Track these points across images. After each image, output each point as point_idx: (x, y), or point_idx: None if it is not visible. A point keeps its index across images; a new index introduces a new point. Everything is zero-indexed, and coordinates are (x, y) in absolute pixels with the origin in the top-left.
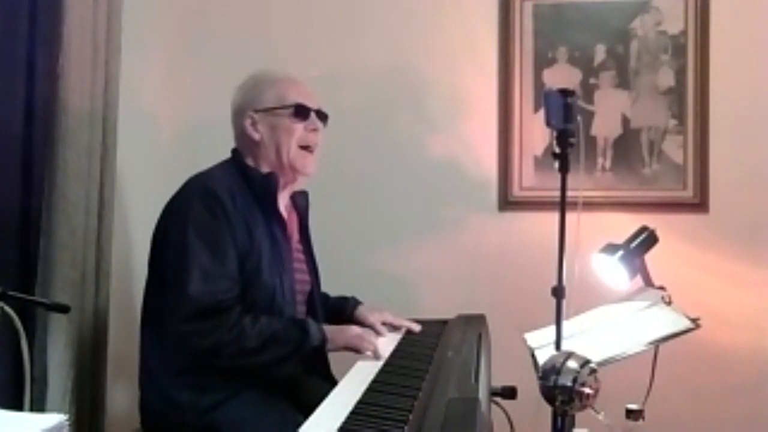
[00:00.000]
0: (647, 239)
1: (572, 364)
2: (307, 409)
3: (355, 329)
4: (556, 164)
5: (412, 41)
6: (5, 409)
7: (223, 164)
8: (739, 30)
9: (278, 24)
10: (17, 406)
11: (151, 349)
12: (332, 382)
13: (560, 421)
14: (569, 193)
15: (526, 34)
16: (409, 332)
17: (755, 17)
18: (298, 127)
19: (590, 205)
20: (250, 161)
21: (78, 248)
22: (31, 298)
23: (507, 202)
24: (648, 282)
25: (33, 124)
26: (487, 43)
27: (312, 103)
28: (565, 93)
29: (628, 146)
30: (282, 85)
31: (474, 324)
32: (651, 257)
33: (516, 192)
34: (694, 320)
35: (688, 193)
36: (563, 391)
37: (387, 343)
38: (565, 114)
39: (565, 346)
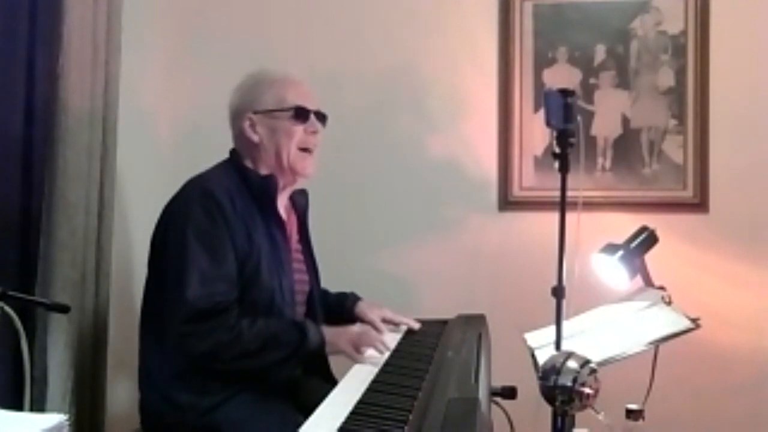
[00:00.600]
0: (647, 239)
1: (572, 364)
2: (307, 409)
3: (353, 331)
4: (556, 164)
5: (412, 41)
6: (5, 409)
7: (222, 165)
8: (739, 30)
9: (278, 24)
10: (17, 406)
11: (151, 350)
12: (332, 382)
13: (560, 421)
14: (569, 193)
15: (526, 34)
16: (409, 331)
17: (755, 17)
18: (298, 130)
19: (590, 205)
20: (248, 163)
21: (78, 248)
22: (31, 298)
23: (507, 202)
24: (648, 282)
25: (33, 124)
26: (487, 43)
27: (311, 105)
28: (565, 93)
29: (628, 146)
30: (281, 86)
31: (474, 324)
32: (651, 257)
33: (516, 192)
34: (694, 320)
35: (688, 193)
36: (563, 391)
37: (389, 340)
38: (565, 114)
39: (565, 346)
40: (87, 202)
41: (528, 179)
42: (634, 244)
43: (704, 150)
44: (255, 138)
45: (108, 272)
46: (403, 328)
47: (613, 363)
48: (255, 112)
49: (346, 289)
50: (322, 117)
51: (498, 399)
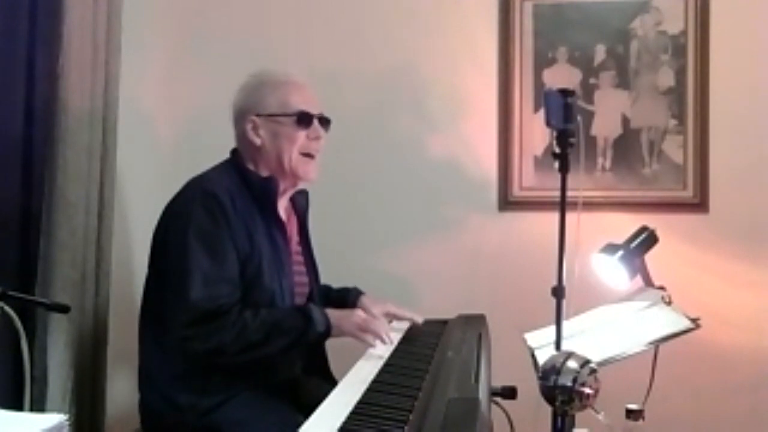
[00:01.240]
0: (647, 239)
1: (572, 364)
2: (307, 409)
3: (359, 315)
4: (556, 164)
5: (412, 41)
6: (5, 409)
7: (222, 166)
8: (739, 30)
9: (278, 24)
10: (17, 406)
11: (151, 351)
12: (332, 382)
13: (560, 421)
14: (569, 193)
15: (526, 34)
16: (410, 330)
17: (755, 17)
18: (301, 135)
19: (590, 205)
20: (250, 164)
21: (78, 248)
22: (31, 298)
23: (507, 202)
24: (648, 282)
25: (33, 124)
26: (487, 43)
27: (314, 109)
28: (565, 93)
29: (628, 146)
30: (285, 90)
31: (474, 324)
32: (651, 257)
33: (516, 192)
34: (694, 320)
35: (688, 193)
36: (563, 391)
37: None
38: (565, 114)
39: (565, 346)
40: (87, 202)
41: (528, 179)
42: (634, 244)
43: (704, 150)
44: (257, 141)
45: (108, 272)
46: (405, 326)
47: (613, 363)
48: (258, 115)
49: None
50: (325, 122)
51: (498, 399)
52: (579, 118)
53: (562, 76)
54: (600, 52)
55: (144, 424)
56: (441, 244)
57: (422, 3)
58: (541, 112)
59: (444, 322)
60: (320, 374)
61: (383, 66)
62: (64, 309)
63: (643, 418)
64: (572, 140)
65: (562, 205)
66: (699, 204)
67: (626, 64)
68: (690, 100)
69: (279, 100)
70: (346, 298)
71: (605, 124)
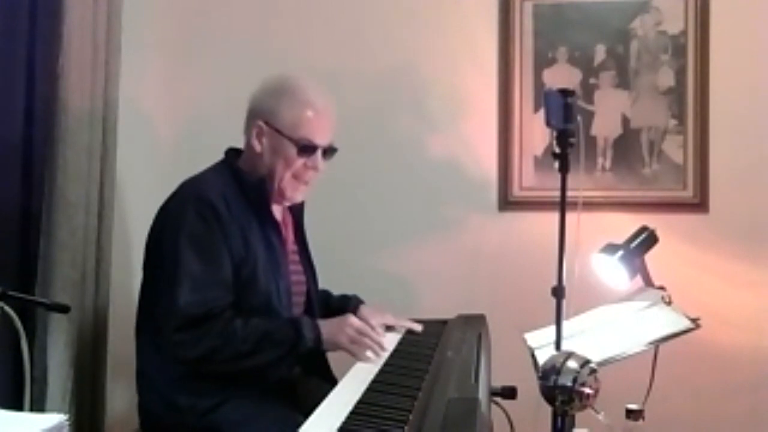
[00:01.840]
0: (647, 239)
1: (572, 364)
2: (307, 409)
3: (352, 326)
4: (556, 164)
5: (412, 41)
6: (5, 409)
7: (217, 167)
8: (739, 30)
9: (278, 24)
10: (17, 406)
11: (148, 353)
12: (332, 382)
13: (560, 421)
14: (569, 193)
15: (526, 34)
16: (410, 332)
17: (755, 17)
18: (299, 162)
19: (590, 205)
20: (246, 164)
21: (78, 248)
22: (31, 298)
23: (507, 202)
24: (648, 282)
25: (33, 124)
26: (487, 43)
27: (323, 140)
28: (565, 93)
29: (628, 146)
30: (301, 112)
31: (474, 324)
32: (651, 257)
33: (516, 192)
34: (694, 320)
35: (688, 193)
36: (563, 391)
37: (388, 342)
38: (565, 114)
39: (565, 346)
40: (87, 202)
41: (528, 179)
42: (634, 244)
43: (704, 150)
44: (258, 148)
45: (108, 272)
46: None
47: (613, 363)
48: (266, 123)
49: (347, 290)
50: (331, 151)
51: (498, 399)
52: (579, 118)
53: (562, 76)
54: (600, 52)
55: (143, 426)
56: (441, 244)
57: (422, 3)
58: (541, 112)
59: (444, 322)
60: (320, 374)
61: (383, 66)
62: (64, 309)
63: (643, 418)
64: (572, 140)
65: (562, 205)
66: (699, 204)
67: (626, 64)
68: (690, 100)
69: (291, 120)
70: (346, 308)
71: (605, 124)
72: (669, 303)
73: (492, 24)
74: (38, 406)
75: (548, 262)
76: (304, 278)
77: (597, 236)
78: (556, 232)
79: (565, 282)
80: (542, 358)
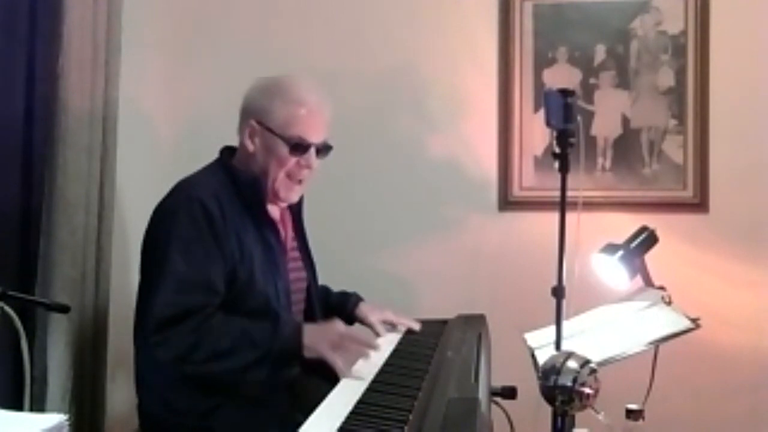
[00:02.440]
0: (647, 239)
1: (572, 364)
2: (307, 409)
3: (336, 332)
4: (556, 164)
5: (412, 41)
6: (5, 409)
7: (211, 167)
8: (739, 30)
9: (278, 24)
10: (17, 406)
11: (146, 355)
12: (332, 382)
13: (560, 421)
14: (569, 193)
15: (526, 34)
16: (409, 331)
17: (755, 17)
18: (291, 161)
19: (590, 205)
20: (241, 164)
21: (78, 248)
22: (31, 298)
23: (507, 202)
24: (648, 282)
25: (33, 124)
26: (487, 43)
27: (317, 138)
28: (565, 93)
29: (628, 146)
30: (294, 112)
31: (474, 324)
32: (651, 257)
33: (516, 192)
34: (694, 320)
35: (688, 193)
36: (563, 391)
37: (386, 344)
38: (565, 114)
39: (565, 346)
40: (87, 202)
41: (528, 179)
42: (634, 244)
43: (704, 150)
44: (250, 148)
45: (108, 272)
46: (402, 327)
47: (613, 363)
48: (259, 122)
49: (346, 289)
50: (326, 149)
51: (498, 399)
52: (579, 118)
53: (562, 76)
54: (600, 52)
55: (143, 427)
56: (441, 244)
57: (422, 3)
58: (541, 112)
59: (444, 322)
60: (320, 374)
61: (383, 66)
62: (64, 309)
63: (643, 418)
64: (572, 140)
65: (562, 205)
66: (699, 204)
67: (626, 64)
68: (690, 100)
69: (283, 119)
70: (346, 304)
71: (605, 124)
72: (669, 303)
73: (492, 24)
74: (38, 406)
75: (548, 262)
76: (304, 275)
77: (597, 236)
78: (556, 232)
79: (565, 282)
80: (542, 358)
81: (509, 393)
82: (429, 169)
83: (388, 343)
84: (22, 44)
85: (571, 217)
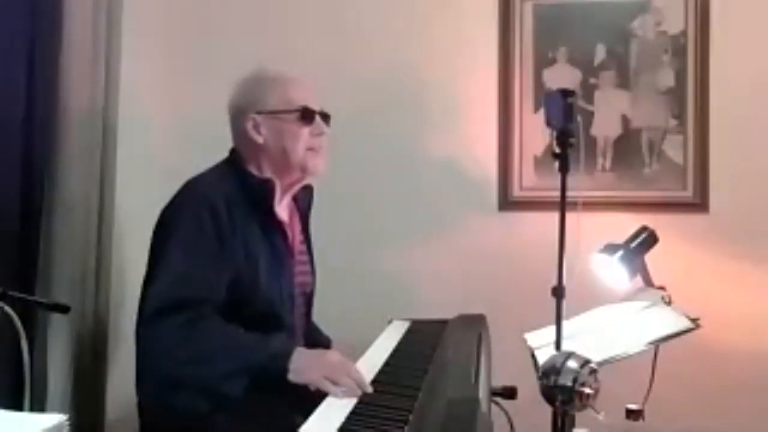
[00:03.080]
0: (647, 239)
1: (572, 364)
2: (307, 409)
3: (329, 361)
4: (556, 164)
5: (412, 41)
6: (5, 409)
7: (220, 168)
8: (739, 30)
9: (278, 24)
10: (17, 406)
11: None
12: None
13: (560, 421)
14: (569, 193)
15: (526, 34)
16: (409, 331)
17: (755, 17)
18: (304, 131)
19: (590, 205)
20: (251, 164)
21: (78, 248)
22: (31, 298)
23: (507, 202)
24: (648, 282)
25: (33, 124)
26: (487, 43)
27: (316, 105)
28: (565, 93)
29: (628, 146)
30: (285, 86)
31: (474, 324)
32: (651, 257)
33: (516, 192)
34: (694, 320)
35: (688, 193)
36: (563, 391)
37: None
38: (565, 114)
39: (565, 346)
40: (87, 202)
41: (528, 179)
42: (634, 244)
43: (704, 150)
44: (259, 139)
45: (108, 272)
46: (403, 329)
47: (613, 363)
48: (259, 112)
49: (346, 290)
50: (326, 117)
51: (498, 399)
52: (579, 118)
53: (562, 76)
54: (600, 52)
55: (143, 427)
56: (441, 244)
57: (422, 3)
58: (541, 112)
59: (444, 322)
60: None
61: (383, 66)
62: (64, 309)
63: (643, 418)
64: (572, 140)
65: (562, 205)
66: (699, 204)
67: (626, 64)
68: (690, 100)
69: (280, 97)
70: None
71: (605, 124)
72: (669, 303)
73: (492, 24)
74: (38, 406)
75: (548, 262)
76: (309, 280)
77: (597, 236)
78: (556, 232)
79: (565, 282)
80: (542, 358)
81: (509, 393)
82: (429, 169)
83: (388, 342)
84: (22, 44)
85: (571, 217)
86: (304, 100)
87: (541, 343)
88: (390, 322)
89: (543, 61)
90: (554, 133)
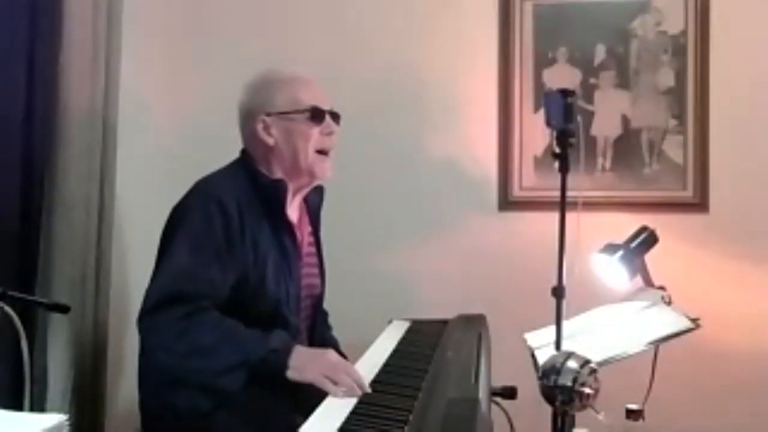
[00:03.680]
0: (647, 239)
1: (572, 364)
2: (307, 409)
3: (329, 360)
4: (556, 164)
5: (412, 41)
6: (5, 409)
7: (232, 167)
8: (739, 30)
9: (278, 24)
10: (17, 406)
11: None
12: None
13: (560, 421)
14: (569, 193)
15: (526, 34)
16: (409, 331)
17: (755, 17)
18: (315, 132)
19: (590, 205)
20: (262, 165)
21: (78, 248)
22: (31, 298)
23: (507, 202)
24: (648, 282)
25: (33, 124)
26: (487, 43)
27: (325, 105)
28: (565, 93)
29: (628, 146)
30: (294, 86)
31: (474, 324)
32: (651, 257)
33: (516, 192)
34: (694, 320)
35: (688, 193)
36: (563, 391)
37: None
38: (565, 114)
39: (565, 346)
40: (87, 202)
41: (528, 179)
42: (634, 244)
43: (704, 150)
44: (270, 141)
45: (108, 272)
46: (402, 329)
47: (613, 363)
48: (269, 114)
49: (346, 290)
50: (335, 117)
51: (498, 399)
52: (579, 118)
53: (562, 76)
54: (600, 52)
55: (144, 426)
56: (441, 244)
57: (422, 3)
58: (541, 112)
59: (444, 322)
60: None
61: (383, 66)
62: (64, 309)
63: (643, 418)
64: (572, 140)
65: (562, 205)
66: (699, 204)
67: (626, 64)
68: (690, 100)
69: (289, 97)
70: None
71: (605, 124)
72: (669, 303)
73: (492, 24)
74: (38, 406)
75: (548, 262)
76: (317, 282)
77: (597, 236)
78: (556, 232)
79: (565, 282)
80: (542, 358)
81: (509, 393)
82: (429, 169)
83: (388, 342)
84: (22, 44)
85: (571, 217)
86: (313, 100)
87: (541, 343)
88: (390, 322)
89: (543, 61)
90: (554, 133)
